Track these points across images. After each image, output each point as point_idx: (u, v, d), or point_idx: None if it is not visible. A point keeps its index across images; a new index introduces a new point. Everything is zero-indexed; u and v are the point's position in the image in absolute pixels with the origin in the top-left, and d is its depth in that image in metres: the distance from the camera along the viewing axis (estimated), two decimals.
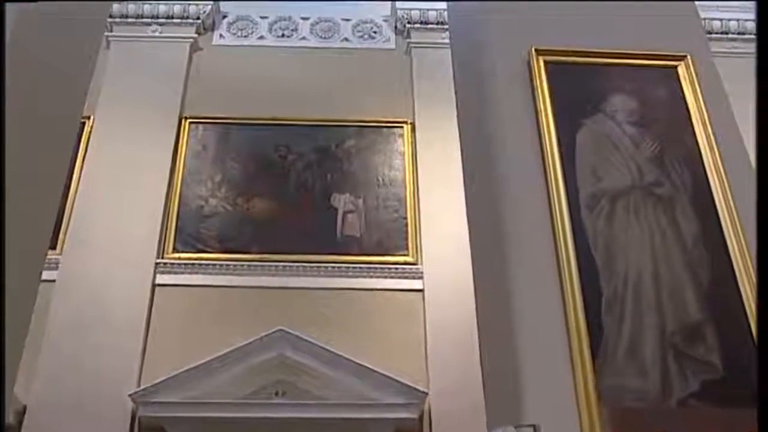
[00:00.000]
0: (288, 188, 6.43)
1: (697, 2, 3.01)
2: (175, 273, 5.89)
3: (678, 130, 2.50)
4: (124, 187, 6.10)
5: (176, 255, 5.97)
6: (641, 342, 2.08)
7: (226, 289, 5.86)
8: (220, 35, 7.37)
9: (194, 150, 6.55)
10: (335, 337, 5.55)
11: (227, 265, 5.96)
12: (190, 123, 6.67)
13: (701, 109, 2.53)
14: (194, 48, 7.16)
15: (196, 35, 7.19)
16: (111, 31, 7.03)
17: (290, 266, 5.96)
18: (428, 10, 7.30)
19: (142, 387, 5.31)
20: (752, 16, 7.33)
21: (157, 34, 7.11)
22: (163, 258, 5.94)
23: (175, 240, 6.04)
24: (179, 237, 6.06)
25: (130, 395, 5.25)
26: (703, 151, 2.44)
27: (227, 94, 6.81)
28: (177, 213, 6.16)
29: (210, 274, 5.92)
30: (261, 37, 7.37)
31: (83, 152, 6.22)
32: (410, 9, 7.33)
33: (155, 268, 5.87)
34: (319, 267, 5.98)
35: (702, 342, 2.09)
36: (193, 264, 5.94)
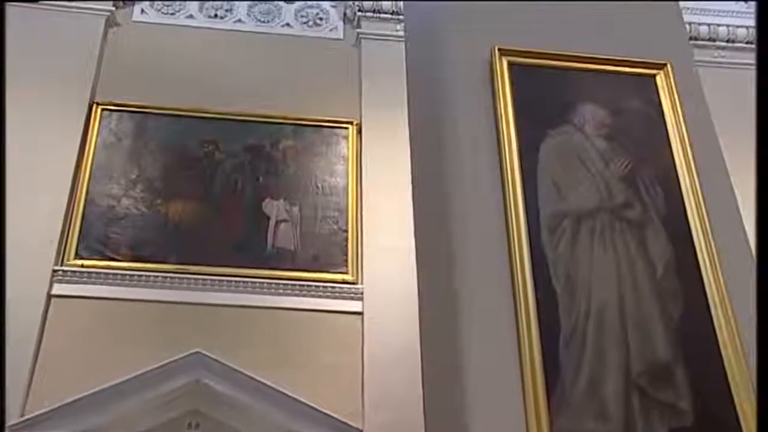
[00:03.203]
0: (214, 190, 6.39)
1: (682, 3, 3.07)
2: (77, 283, 5.78)
3: (653, 146, 2.54)
4: (18, 180, 5.93)
5: (79, 262, 5.86)
6: (603, 382, 2.10)
7: (137, 304, 5.78)
8: (142, 10, 7.28)
9: (106, 141, 6.45)
10: (260, 363, 5.52)
11: (139, 275, 5.88)
12: (103, 110, 6.57)
13: (680, 124, 2.58)
14: (110, 23, 7.06)
15: (113, 8, 7.09)
16: None
17: (212, 280, 5.92)
18: None
19: (25, 417, 5.17)
20: (744, 22, 7.51)
21: (66, 3, 6.97)
22: (62, 265, 5.83)
23: (78, 245, 5.92)
24: (83, 241, 5.95)
25: (9, 427, 5.11)
26: (679, 171, 2.49)
27: (147, 78, 6.73)
28: (82, 213, 6.05)
29: (118, 285, 5.84)
30: (190, 16, 7.31)
31: None
32: None
33: (52, 276, 5.75)
34: (246, 282, 5.94)
35: (671, 384, 2.12)
36: (98, 273, 5.84)
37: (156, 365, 5.39)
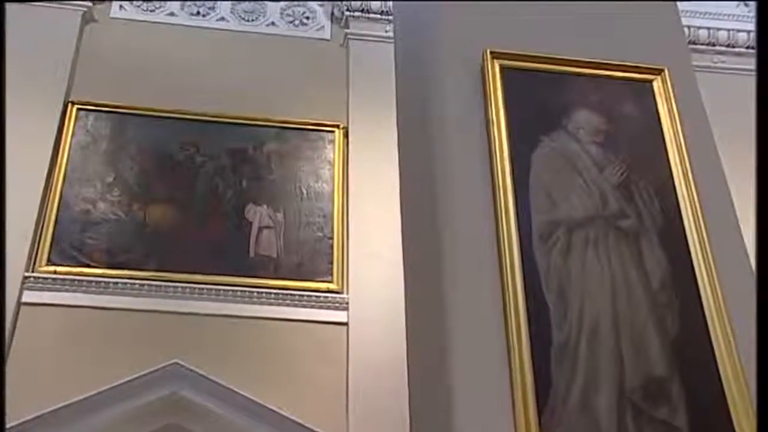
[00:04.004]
0: (194, 195, 6.37)
1: (680, 5, 3.08)
2: (49, 290, 5.74)
3: (649, 154, 2.54)
4: None
5: (51, 268, 5.83)
6: (595, 398, 2.10)
7: (113, 312, 5.75)
8: (120, 6, 7.26)
9: (82, 142, 6.42)
10: (241, 375, 5.51)
11: (115, 283, 5.85)
12: (78, 110, 6.54)
13: (677, 131, 2.58)
14: (87, 19, 7.03)
15: (90, 4, 7.06)
16: None
17: (192, 288, 5.90)
18: None
19: None
20: (745, 26, 7.54)
21: None
22: (33, 271, 5.79)
23: (50, 250, 5.89)
24: (56, 247, 5.91)
25: None
26: (676, 180, 2.49)
27: (126, 77, 6.71)
28: (55, 218, 6.01)
29: (93, 293, 5.80)
30: (171, 14, 7.29)
31: None
32: None
33: (22, 283, 5.71)
34: (227, 291, 5.93)
35: (666, 401, 2.12)
36: (72, 280, 5.81)
37: (132, 376, 5.36)
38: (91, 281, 5.84)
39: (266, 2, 7.48)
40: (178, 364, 5.45)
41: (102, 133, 6.52)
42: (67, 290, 5.77)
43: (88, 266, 5.91)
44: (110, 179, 6.32)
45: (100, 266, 5.93)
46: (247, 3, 7.45)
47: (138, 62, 6.85)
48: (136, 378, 5.37)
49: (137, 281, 5.88)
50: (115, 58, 6.84)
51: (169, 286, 5.89)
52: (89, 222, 6.10)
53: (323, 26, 7.45)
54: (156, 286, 5.88)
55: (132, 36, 7.06)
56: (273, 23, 7.40)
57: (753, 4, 7.41)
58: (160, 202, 6.31)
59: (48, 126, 6.35)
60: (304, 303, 5.99)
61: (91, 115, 6.57)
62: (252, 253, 6.16)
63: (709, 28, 7.59)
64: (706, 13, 7.54)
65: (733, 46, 7.58)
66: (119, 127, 6.57)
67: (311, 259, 6.18)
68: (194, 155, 6.55)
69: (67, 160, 6.30)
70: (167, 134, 6.58)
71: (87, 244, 6.00)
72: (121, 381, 5.33)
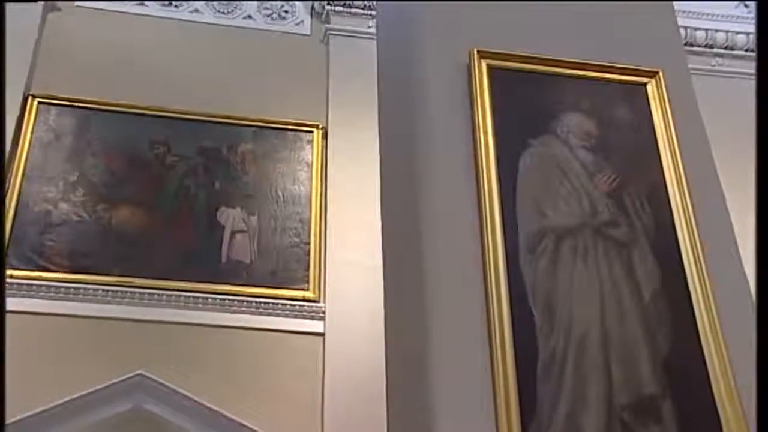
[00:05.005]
0: (164, 196, 6.36)
1: (677, 5, 3.10)
2: (6, 296, 5.71)
3: (642, 160, 2.56)
4: None
5: (8, 272, 5.76)
6: (583, 416, 2.10)
7: (74, 320, 5.72)
8: None
9: (43, 139, 6.39)
10: (210, 388, 5.50)
11: (77, 288, 5.82)
12: (40, 104, 6.51)
13: (671, 136, 2.60)
14: (49, 7, 6.99)
15: None
16: None
17: (159, 295, 5.88)
18: None
19: None
20: (744, 28, 7.59)
21: None
22: None
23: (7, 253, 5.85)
24: (14, 249, 5.87)
25: None
26: (669, 188, 2.51)
27: (92, 70, 6.68)
28: (13, 218, 5.96)
29: (53, 299, 5.77)
30: (141, 4, 7.26)
31: None
32: None
33: None
34: (197, 298, 5.91)
35: (657, 420, 2.13)
36: (30, 285, 5.77)
37: (94, 388, 5.34)
38: (51, 286, 5.81)
39: None
40: (142, 375, 5.43)
41: (65, 129, 6.49)
42: (24, 296, 5.71)
43: (48, 270, 5.87)
44: (73, 178, 6.29)
45: (61, 271, 5.89)
46: None
47: (105, 54, 6.81)
48: (98, 390, 5.34)
49: (100, 287, 5.85)
50: (80, 50, 6.81)
51: (135, 293, 5.87)
52: (50, 223, 6.06)
53: (302, 21, 7.46)
54: (121, 292, 5.86)
55: (99, 26, 7.02)
56: (250, 16, 7.39)
57: (752, 5, 7.46)
58: (127, 203, 6.29)
59: (6, 120, 6.30)
60: (279, 312, 5.98)
61: (54, 110, 6.53)
62: (224, 259, 6.16)
63: (706, 30, 7.64)
64: (703, 13, 7.59)
65: (732, 49, 7.63)
66: (84, 123, 6.53)
67: (286, 265, 6.17)
68: (164, 154, 6.53)
69: (27, 157, 6.26)
70: (136, 132, 6.56)
71: (47, 247, 5.96)
72: (81, 393, 5.31)
